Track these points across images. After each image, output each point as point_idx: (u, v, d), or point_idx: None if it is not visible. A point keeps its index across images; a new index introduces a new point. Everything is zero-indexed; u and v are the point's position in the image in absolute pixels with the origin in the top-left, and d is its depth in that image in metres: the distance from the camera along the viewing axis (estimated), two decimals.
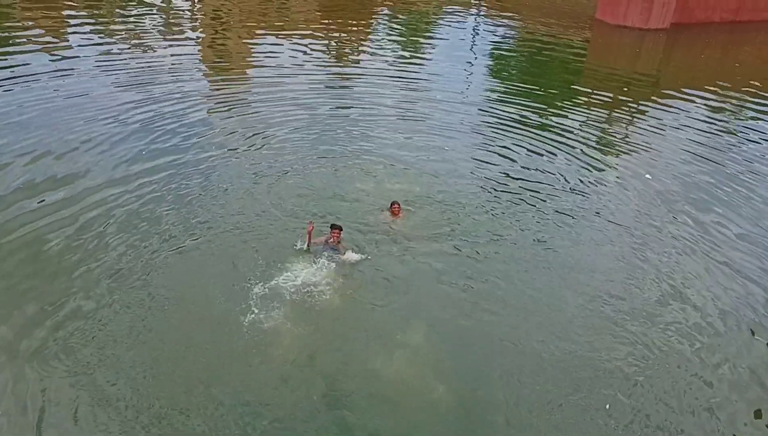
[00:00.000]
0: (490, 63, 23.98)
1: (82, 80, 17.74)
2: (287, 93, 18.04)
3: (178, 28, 25.23)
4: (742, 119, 18.99)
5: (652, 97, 20.32)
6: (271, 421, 7.42)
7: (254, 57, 22.20)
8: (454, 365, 8.49)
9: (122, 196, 11.66)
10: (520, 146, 15.25)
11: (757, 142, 17.11)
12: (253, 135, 14.97)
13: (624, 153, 15.65)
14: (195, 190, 12.14)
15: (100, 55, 20.25)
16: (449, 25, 29.62)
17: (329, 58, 22.94)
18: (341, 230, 10.35)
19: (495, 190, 12.96)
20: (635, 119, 18.42)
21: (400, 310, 9.33)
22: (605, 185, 13.63)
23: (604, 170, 14.38)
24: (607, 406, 7.96)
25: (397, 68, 21.77)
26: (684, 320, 9.61)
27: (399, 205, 11.52)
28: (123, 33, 23.44)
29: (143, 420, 7.30)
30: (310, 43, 23.93)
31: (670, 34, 29.04)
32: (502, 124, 16.77)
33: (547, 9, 32.80)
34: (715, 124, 18.36)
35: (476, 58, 24.22)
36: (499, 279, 10.14)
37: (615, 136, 16.89)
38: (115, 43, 21.92)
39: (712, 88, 21.68)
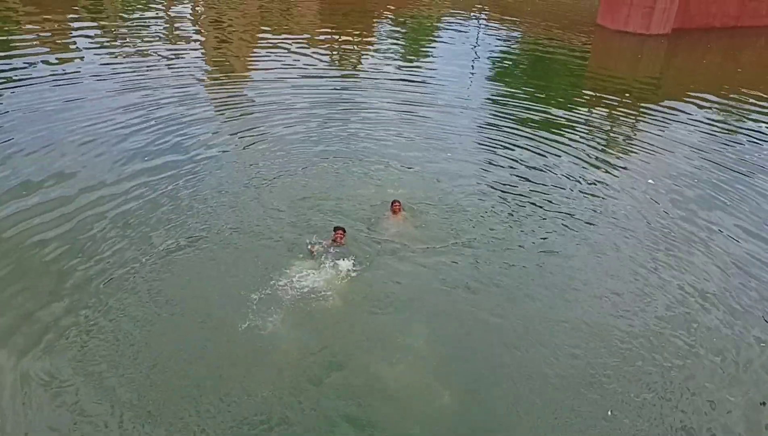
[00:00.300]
0: (493, 68, 24.00)
1: (83, 84, 17.80)
2: (288, 97, 18.06)
3: (180, 34, 25.29)
4: (744, 124, 18.96)
5: (654, 103, 20.31)
6: (271, 426, 7.39)
7: (256, 62, 22.24)
8: (456, 372, 8.44)
9: (122, 200, 11.66)
10: (523, 151, 15.24)
11: (760, 147, 17.07)
12: (255, 139, 14.99)
13: (626, 158, 15.62)
14: (195, 193, 12.13)
15: (101, 59, 20.34)
16: (451, 31, 29.67)
17: (331, 63, 22.96)
18: (344, 230, 10.46)
19: (497, 194, 12.94)
20: (637, 124, 18.41)
21: (402, 315, 9.30)
22: (608, 191, 13.60)
23: (607, 176, 14.36)
24: (609, 413, 7.93)
25: (399, 73, 21.81)
26: (692, 327, 9.54)
27: (399, 203, 11.56)
28: (125, 38, 23.52)
29: (140, 426, 7.27)
30: (312, 49, 23.98)
31: (671, 40, 29.05)
32: (504, 128, 16.77)
33: (548, 15, 32.85)
34: (717, 129, 18.33)
35: (478, 63, 24.25)
36: (503, 284, 10.10)
37: (617, 142, 16.88)
38: (117, 47, 22.00)
39: (714, 94, 21.68)
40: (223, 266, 10.02)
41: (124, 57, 20.94)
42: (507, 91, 20.88)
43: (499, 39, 28.75)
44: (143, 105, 16.49)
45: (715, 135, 17.77)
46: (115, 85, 18.05)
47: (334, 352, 8.57)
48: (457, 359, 8.69)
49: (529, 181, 13.67)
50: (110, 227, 10.79)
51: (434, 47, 27.20)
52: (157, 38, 24.01)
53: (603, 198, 13.24)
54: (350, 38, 26.64)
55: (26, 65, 19.12)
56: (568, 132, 16.83)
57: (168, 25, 26.65)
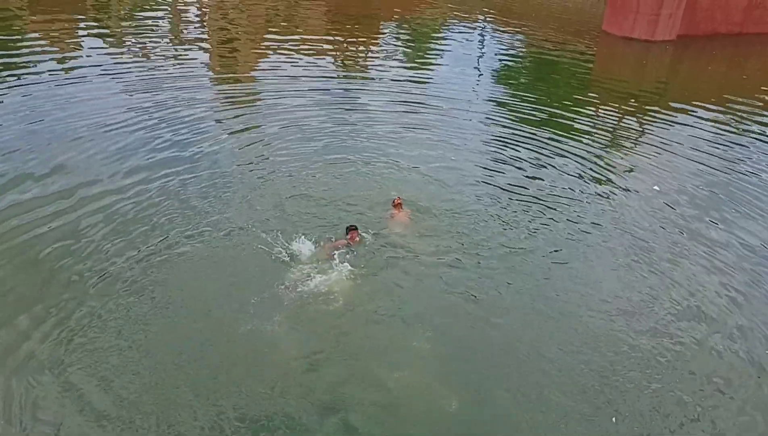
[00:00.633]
0: (498, 72, 24.01)
1: (88, 83, 17.94)
2: (293, 99, 18.11)
3: (185, 35, 25.37)
4: (750, 131, 18.93)
5: (659, 109, 20.28)
6: (273, 429, 7.40)
7: (261, 63, 22.30)
8: (460, 377, 8.45)
9: (123, 199, 11.74)
10: (526, 157, 15.25)
11: (766, 154, 17.04)
12: (259, 139, 15.08)
13: (631, 165, 15.60)
14: (197, 193, 12.20)
15: (107, 59, 20.47)
16: (456, 35, 29.67)
17: (336, 65, 23.01)
18: (357, 228, 10.63)
19: (502, 198, 12.95)
20: (642, 131, 18.40)
21: (405, 319, 9.31)
22: (614, 197, 13.58)
23: (612, 182, 14.35)
24: (614, 419, 7.93)
25: (405, 75, 21.84)
26: (696, 334, 9.53)
27: (400, 198, 11.74)
28: (131, 40, 23.61)
29: (141, 427, 7.29)
30: (317, 51, 24.02)
31: (676, 46, 29.02)
32: (508, 133, 16.78)
33: (553, 20, 32.84)
34: (722, 135, 18.30)
35: (483, 67, 24.25)
36: (508, 289, 10.11)
37: (622, 148, 16.87)
38: (122, 49, 22.10)
39: (719, 100, 21.64)
40: (225, 266, 10.05)
41: (130, 57, 21.02)
42: (512, 95, 20.89)
43: (504, 44, 28.75)
44: (148, 105, 16.57)
45: (720, 141, 17.74)
46: (120, 84, 18.14)
47: (336, 355, 8.58)
48: (461, 364, 8.69)
49: (534, 186, 13.67)
50: (111, 226, 10.85)
51: (439, 51, 27.21)
52: (163, 39, 24.09)
53: (608, 204, 13.24)
54: (355, 41, 26.68)
55: (32, 64, 19.26)
56: (573, 137, 16.83)
57: (173, 27, 26.74)
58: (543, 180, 14.04)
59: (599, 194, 13.66)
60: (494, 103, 19.79)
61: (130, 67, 19.92)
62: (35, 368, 7.96)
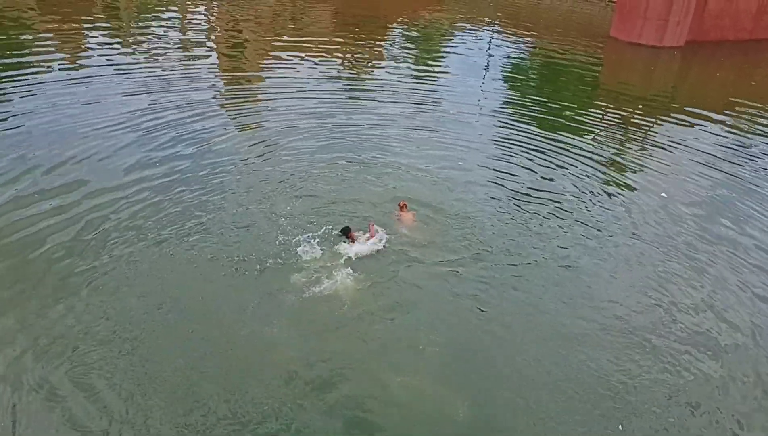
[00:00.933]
0: (505, 78, 23.99)
1: (96, 88, 17.99)
2: (300, 103, 18.12)
3: (193, 41, 25.46)
4: (757, 137, 18.83)
5: (667, 115, 20.22)
6: (276, 433, 7.35)
7: (268, 67, 22.34)
8: (465, 382, 8.36)
9: (125, 201, 11.72)
10: (534, 161, 15.18)
11: None
12: (265, 144, 15.04)
13: (639, 171, 15.50)
14: (203, 195, 12.17)
15: (115, 64, 20.52)
16: (464, 40, 29.71)
17: (343, 71, 23.02)
18: (351, 230, 10.84)
19: (509, 203, 12.89)
20: (650, 137, 18.31)
21: (410, 323, 9.24)
22: (621, 203, 13.49)
23: (619, 189, 14.25)
24: (620, 427, 7.86)
25: (412, 80, 21.85)
26: (707, 343, 9.40)
27: (404, 201, 11.84)
28: (139, 44, 23.72)
29: (142, 430, 7.26)
30: (324, 57, 24.06)
31: (684, 52, 28.96)
32: (515, 137, 16.73)
33: (561, 26, 32.84)
34: (730, 142, 18.22)
35: (491, 72, 24.25)
36: (514, 295, 10.03)
37: (630, 154, 16.78)
38: (130, 53, 22.19)
39: (727, 106, 21.56)
40: (227, 268, 10.00)
41: (138, 61, 21.09)
42: (519, 99, 20.86)
43: (511, 49, 28.75)
44: (154, 106, 16.64)
45: (728, 148, 17.64)
46: (127, 85, 18.24)
47: (340, 358, 8.51)
48: (467, 369, 8.62)
49: (541, 191, 13.59)
50: (113, 226, 10.85)
51: (447, 54, 27.24)
52: (171, 44, 24.18)
53: (617, 210, 13.14)
54: (362, 44, 26.72)
55: (41, 64, 19.39)
56: (580, 143, 16.76)
57: (182, 32, 26.84)
58: (550, 185, 13.97)
59: (607, 200, 13.58)
60: (501, 108, 19.75)
61: (137, 69, 20.01)
62: (31, 370, 7.90)
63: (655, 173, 15.33)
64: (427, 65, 24.85)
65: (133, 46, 23.24)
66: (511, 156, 15.49)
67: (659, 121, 19.65)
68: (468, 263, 10.66)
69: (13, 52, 20.57)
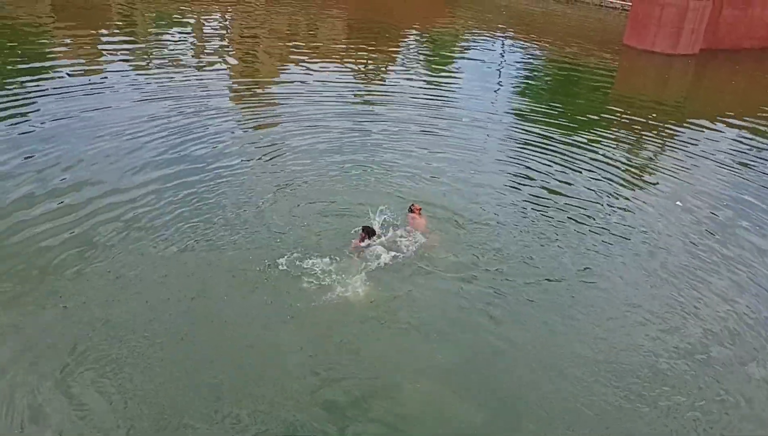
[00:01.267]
0: (518, 85, 23.98)
1: (112, 94, 18.19)
2: (312, 110, 18.20)
3: (208, 48, 25.69)
4: None
5: (681, 123, 20.11)
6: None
7: (281, 75, 22.51)
8: (477, 393, 8.26)
9: (137, 207, 11.74)
10: (547, 169, 15.13)
11: None
12: (277, 149, 15.11)
13: (653, 179, 15.39)
14: (214, 200, 12.21)
15: (130, 70, 20.78)
16: (476, 48, 29.75)
17: (356, 77, 23.12)
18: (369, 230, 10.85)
19: (523, 211, 12.85)
20: (663, 145, 18.22)
21: (421, 331, 9.18)
22: (635, 213, 13.33)
23: (633, 197, 14.11)
24: None
25: (424, 88, 21.90)
26: (729, 356, 9.19)
27: (417, 206, 11.70)
28: (155, 51, 23.95)
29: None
30: (338, 64, 24.20)
31: (699, 60, 28.82)
32: (528, 145, 16.70)
33: (574, 33, 32.79)
34: (745, 150, 18.09)
35: (503, 79, 24.23)
36: (528, 306, 9.90)
37: (643, 162, 16.70)
38: (145, 60, 22.42)
39: (742, 115, 21.40)
40: (238, 273, 10.00)
41: (153, 69, 21.29)
42: (533, 107, 20.83)
43: (524, 56, 28.75)
44: (168, 113, 16.71)
45: (742, 156, 17.52)
46: (142, 93, 18.38)
47: (350, 365, 8.48)
48: (480, 380, 8.50)
49: (555, 199, 13.53)
50: (123, 232, 10.87)
51: (460, 62, 27.29)
52: (186, 52, 24.38)
53: (633, 220, 12.98)
54: (376, 52, 26.81)
55: (57, 73, 19.65)
56: (593, 151, 16.69)
57: (197, 40, 27.09)
58: (564, 193, 13.90)
59: (624, 209, 13.45)
60: (515, 115, 19.72)
61: (152, 77, 20.19)
62: (39, 373, 7.92)
63: (668, 182, 15.21)
64: (440, 72, 24.90)
65: (149, 53, 23.48)
66: (524, 164, 15.45)
67: (673, 129, 19.55)
68: (482, 272, 10.57)
69: (32, 58, 20.83)
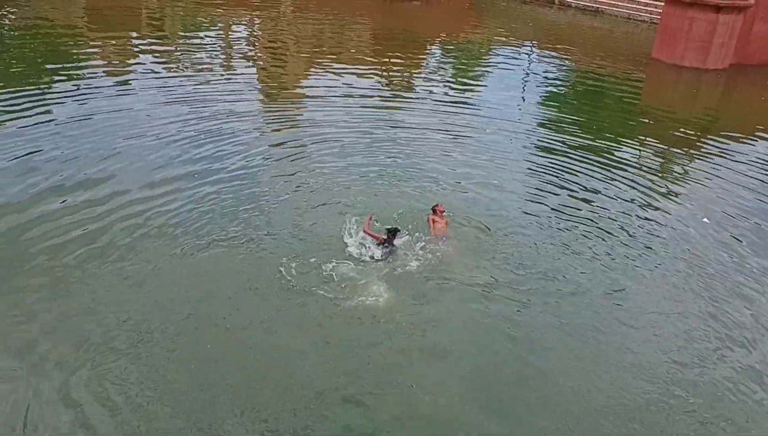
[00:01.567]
0: (543, 96, 23.80)
1: (139, 96, 18.54)
2: (337, 116, 18.24)
3: (235, 54, 25.92)
4: None
5: (710, 139, 19.76)
6: None
7: (307, 81, 22.61)
8: (495, 407, 8.17)
9: (155, 209, 11.85)
10: (572, 181, 14.95)
11: None
12: (301, 155, 15.16)
13: (680, 196, 15.09)
14: (235, 202, 12.30)
15: (158, 75, 21.04)
16: (502, 58, 29.60)
17: (381, 84, 23.14)
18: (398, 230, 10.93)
19: (547, 222, 12.70)
20: (691, 160, 17.94)
21: (439, 342, 9.12)
22: (664, 226, 13.10)
23: (659, 213, 13.82)
24: None
25: (449, 96, 21.89)
26: (759, 379, 8.98)
27: (441, 206, 11.61)
28: (182, 56, 24.24)
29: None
30: (363, 71, 24.24)
31: (728, 75, 28.39)
32: (554, 157, 16.55)
33: (601, 47, 32.50)
34: None
35: (529, 90, 24.11)
36: (551, 320, 9.73)
37: (670, 177, 16.41)
38: (173, 64, 22.71)
39: None
40: (257, 277, 10.00)
41: (180, 73, 21.55)
42: (558, 119, 20.63)
43: (550, 68, 28.55)
44: (193, 117, 16.87)
45: None
46: (169, 97, 18.61)
47: (367, 372, 8.45)
48: (499, 392, 8.42)
49: (580, 212, 13.33)
50: (141, 232, 10.99)
51: (485, 73, 27.20)
52: (213, 57, 24.64)
53: (659, 235, 12.75)
54: (401, 61, 26.84)
55: (88, 76, 20.02)
56: (620, 165, 16.48)
57: (225, 46, 27.37)
58: (589, 207, 13.70)
59: (649, 223, 13.23)
60: (540, 127, 19.55)
61: (179, 82, 20.42)
62: (45, 374, 7.94)
63: (696, 198, 14.91)
64: (465, 82, 24.83)
65: (177, 58, 23.76)
66: (549, 175, 15.29)
67: (701, 145, 19.24)
68: (503, 282, 10.44)
69: (64, 61, 21.24)
